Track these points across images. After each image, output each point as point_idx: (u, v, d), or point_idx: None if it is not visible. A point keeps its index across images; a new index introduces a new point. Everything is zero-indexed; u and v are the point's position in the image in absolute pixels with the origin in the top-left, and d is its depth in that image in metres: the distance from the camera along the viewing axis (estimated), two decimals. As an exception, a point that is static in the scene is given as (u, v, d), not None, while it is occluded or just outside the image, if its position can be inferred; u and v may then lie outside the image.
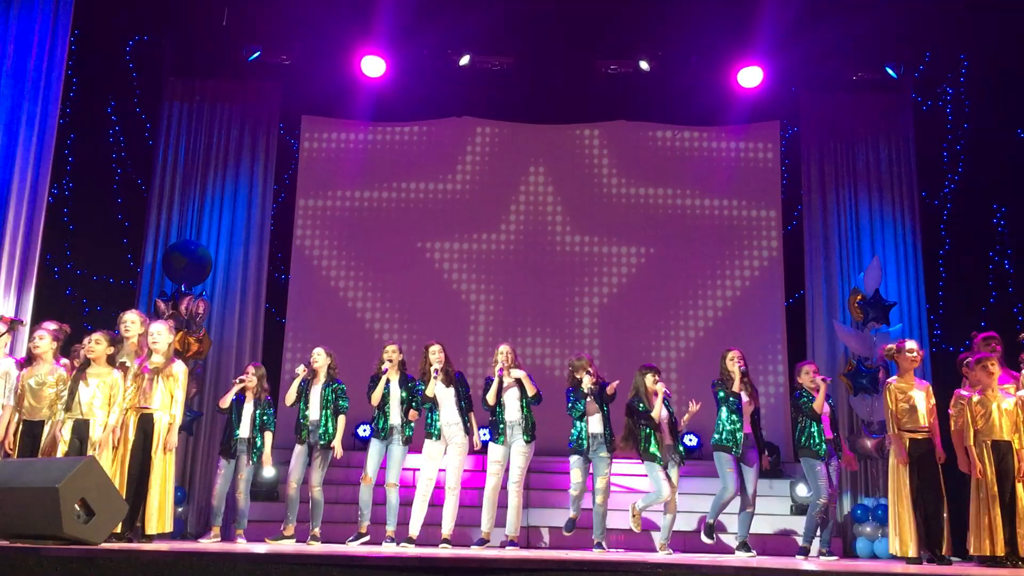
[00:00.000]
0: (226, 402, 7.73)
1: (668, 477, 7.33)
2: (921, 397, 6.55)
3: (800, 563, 6.42)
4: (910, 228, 10.19)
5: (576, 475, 7.41)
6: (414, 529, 7.37)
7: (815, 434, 7.26)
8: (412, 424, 7.53)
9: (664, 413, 7.44)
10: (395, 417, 7.49)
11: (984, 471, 6.13)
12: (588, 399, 7.38)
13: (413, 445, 7.59)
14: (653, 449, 7.31)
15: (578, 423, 7.43)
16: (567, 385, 7.61)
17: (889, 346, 6.91)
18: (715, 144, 11.22)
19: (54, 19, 8.33)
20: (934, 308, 10.12)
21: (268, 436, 7.79)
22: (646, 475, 7.46)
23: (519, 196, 11.13)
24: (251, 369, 7.91)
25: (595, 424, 7.40)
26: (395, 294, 10.85)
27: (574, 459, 7.42)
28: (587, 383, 7.38)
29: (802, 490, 8.71)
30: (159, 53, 10.35)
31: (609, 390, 7.42)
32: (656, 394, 7.37)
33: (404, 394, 7.53)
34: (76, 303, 9.54)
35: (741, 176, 11.10)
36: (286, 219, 10.93)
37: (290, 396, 7.65)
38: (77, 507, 4.88)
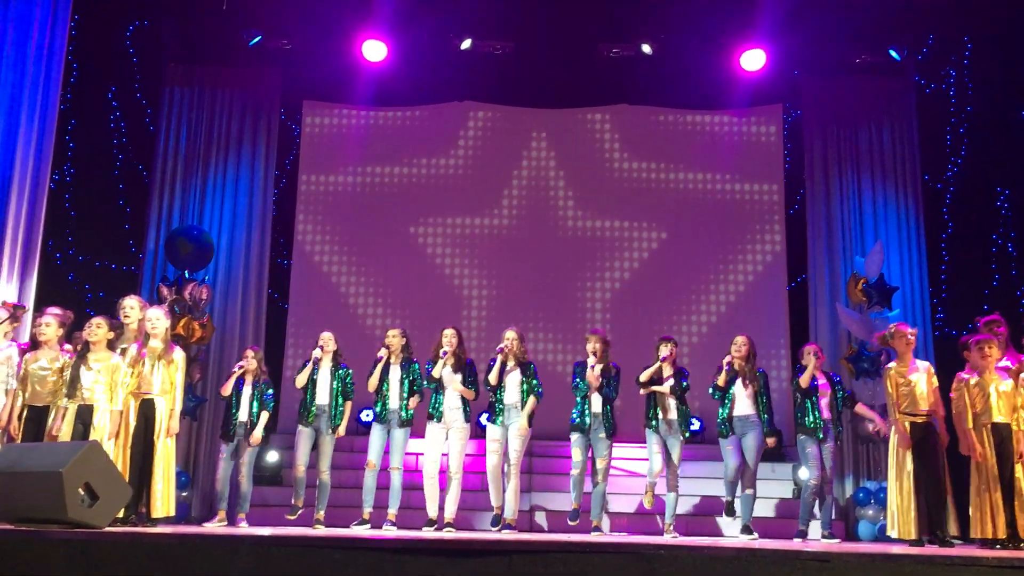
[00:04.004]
0: (228, 389, 7.76)
1: (667, 451, 7.34)
2: (921, 380, 6.54)
3: (799, 545, 6.44)
4: (913, 211, 10.16)
5: (576, 453, 7.38)
6: (432, 511, 7.43)
7: (808, 413, 7.37)
8: (412, 408, 7.57)
9: (669, 384, 7.40)
10: (394, 401, 7.53)
11: (985, 454, 6.14)
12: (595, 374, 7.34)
13: (416, 429, 7.63)
14: (650, 418, 7.38)
15: (580, 400, 7.42)
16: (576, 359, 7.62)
17: (883, 333, 6.91)
18: (717, 128, 11.19)
19: (54, 5, 8.31)
20: (937, 292, 10.10)
21: (264, 416, 7.81)
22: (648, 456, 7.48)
23: (521, 180, 11.11)
24: (250, 352, 7.93)
25: (596, 403, 7.38)
26: (397, 278, 10.85)
27: (575, 437, 7.39)
28: (591, 359, 7.38)
29: (804, 473, 8.72)
30: (159, 38, 10.30)
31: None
32: (665, 361, 7.39)
33: (404, 378, 7.57)
34: (79, 289, 9.54)
35: (744, 160, 11.07)
36: (288, 204, 10.92)
37: (301, 379, 7.69)
38: (81, 491, 4.90)
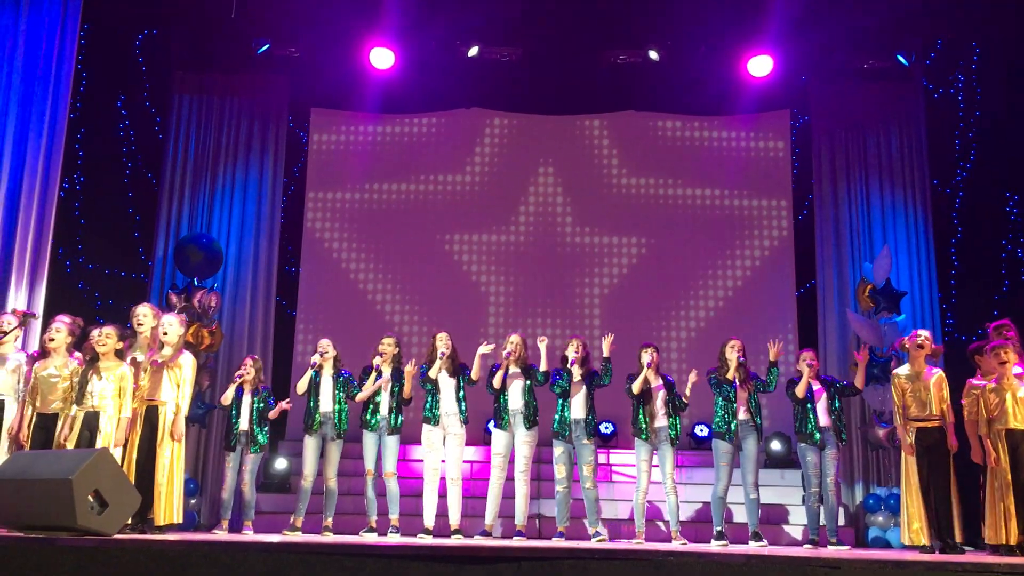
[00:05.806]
0: (227, 399, 7.73)
1: (659, 460, 7.29)
2: (931, 386, 6.52)
3: (809, 552, 6.42)
4: (921, 217, 10.13)
5: (560, 470, 7.30)
6: (429, 520, 7.41)
7: (807, 421, 7.34)
8: (401, 415, 7.58)
9: (660, 392, 7.36)
10: (384, 408, 7.54)
11: (998, 459, 6.11)
12: (573, 379, 7.32)
13: (412, 434, 7.63)
14: (639, 426, 7.31)
15: (560, 402, 7.36)
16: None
17: (903, 340, 6.91)
18: (725, 134, 11.19)
19: (63, 15, 8.37)
20: (946, 297, 10.07)
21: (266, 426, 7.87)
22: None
23: (529, 187, 11.12)
24: (249, 361, 7.92)
25: (577, 408, 7.32)
26: (405, 285, 10.86)
27: (558, 451, 7.33)
28: (570, 359, 7.32)
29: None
30: (168, 47, 10.36)
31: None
32: (648, 368, 7.33)
33: (394, 386, 7.57)
34: (88, 297, 9.59)
35: (751, 166, 11.07)
36: (296, 212, 10.95)
37: (302, 385, 7.69)
38: (91, 498, 4.90)
